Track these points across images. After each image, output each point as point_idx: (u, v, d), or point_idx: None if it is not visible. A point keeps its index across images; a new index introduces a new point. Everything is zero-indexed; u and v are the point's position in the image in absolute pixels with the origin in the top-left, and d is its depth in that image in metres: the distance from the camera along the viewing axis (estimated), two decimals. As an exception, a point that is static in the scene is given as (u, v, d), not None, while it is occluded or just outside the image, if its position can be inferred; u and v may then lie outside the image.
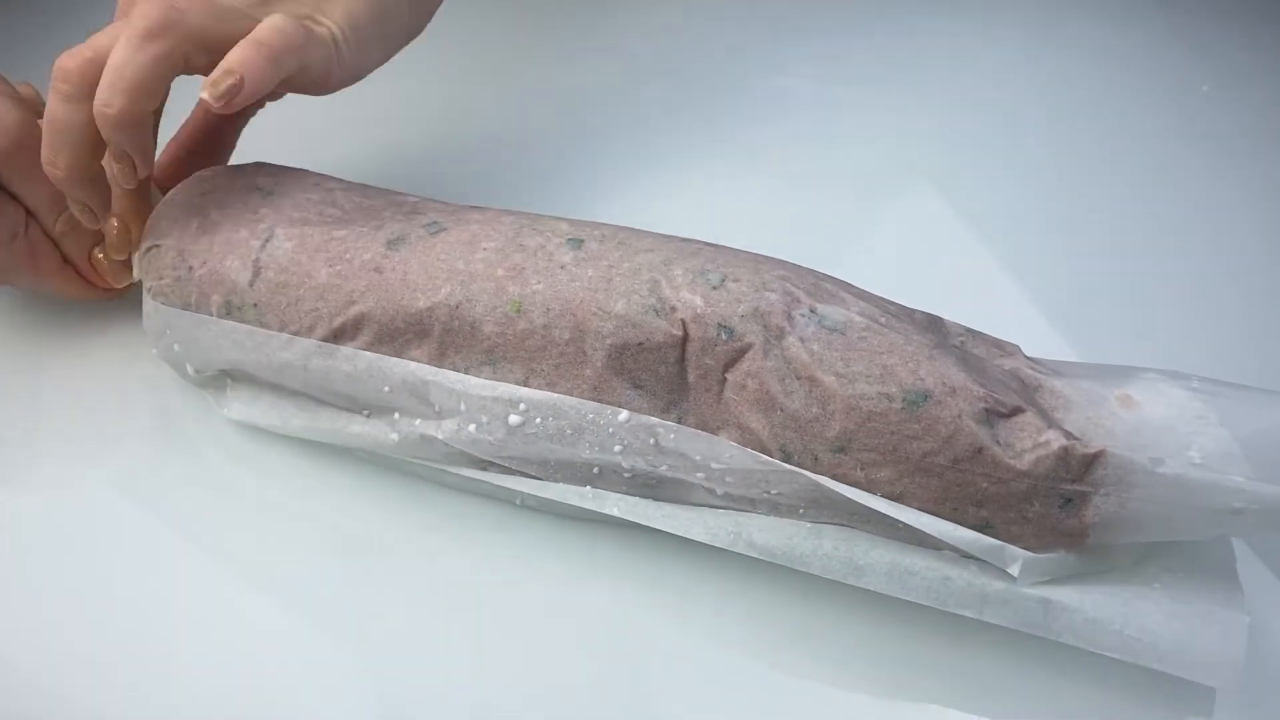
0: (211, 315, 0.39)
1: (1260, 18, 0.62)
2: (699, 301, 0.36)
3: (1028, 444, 0.34)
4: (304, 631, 0.38)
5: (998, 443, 0.34)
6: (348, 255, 0.38)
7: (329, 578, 0.40)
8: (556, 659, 0.38)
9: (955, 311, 0.44)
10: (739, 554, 0.36)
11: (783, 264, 0.38)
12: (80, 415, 0.44)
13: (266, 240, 0.39)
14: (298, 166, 0.44)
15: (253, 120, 0.46)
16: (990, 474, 0.34)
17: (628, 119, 0.55)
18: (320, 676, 0.37)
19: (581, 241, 0.38)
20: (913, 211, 0.52)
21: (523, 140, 0.54)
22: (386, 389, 0.38)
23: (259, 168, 0.43)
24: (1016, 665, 0.37)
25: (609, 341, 0.36)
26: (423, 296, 0.37)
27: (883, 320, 0.36)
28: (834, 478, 0.35)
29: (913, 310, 0.38)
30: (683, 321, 0.36)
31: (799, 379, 0.34)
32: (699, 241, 0.39)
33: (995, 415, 0.34)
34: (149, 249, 0.41)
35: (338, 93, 0.43)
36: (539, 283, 0.37)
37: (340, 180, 0.43)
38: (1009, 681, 0.37)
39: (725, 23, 0.59)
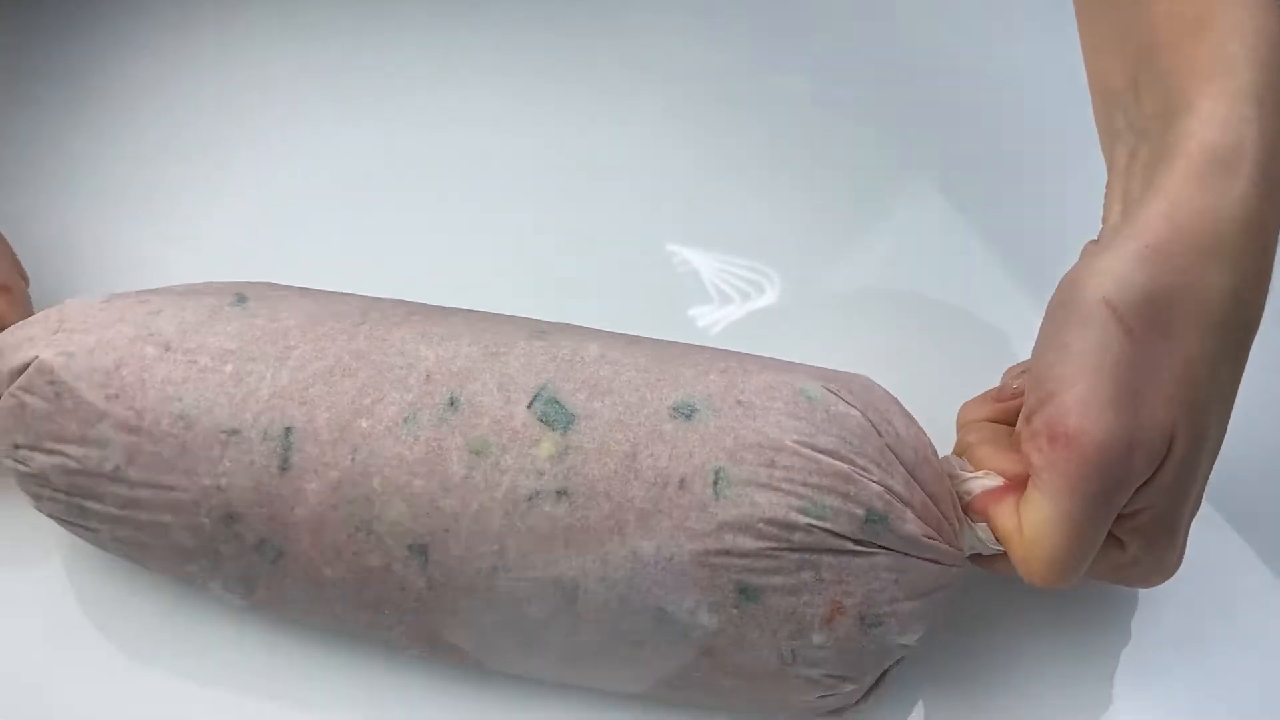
0: None
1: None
2: (570, 657, 0.35)
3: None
4: None
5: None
6: (224, 598, 0.37)
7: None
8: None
9: (956, 312, 0.45)
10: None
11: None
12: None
13: (141, 565, 0.37)
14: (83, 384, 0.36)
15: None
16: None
17: (624, 119, 0.55)
18: None
19: (425, 550, 0.33)
20: (913, 211, 0.52)
21: (520, 138, 0.54)
22: None
23: (50, 463, 0.35)
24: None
25: (494, 672, 0.36)
26: (313, 626, 0.38)
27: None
28: None
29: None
30: (557, 666, 0.36)
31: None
32: (571, 490, 0.33)
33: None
34: None
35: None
36: (401, 624, 0.35)
37: (116, 423, 0.35)
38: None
39: (724, 22, 0.59)
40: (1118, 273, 0.32)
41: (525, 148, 0.53)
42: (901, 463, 0.34)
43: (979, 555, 0.37)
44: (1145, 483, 0.33)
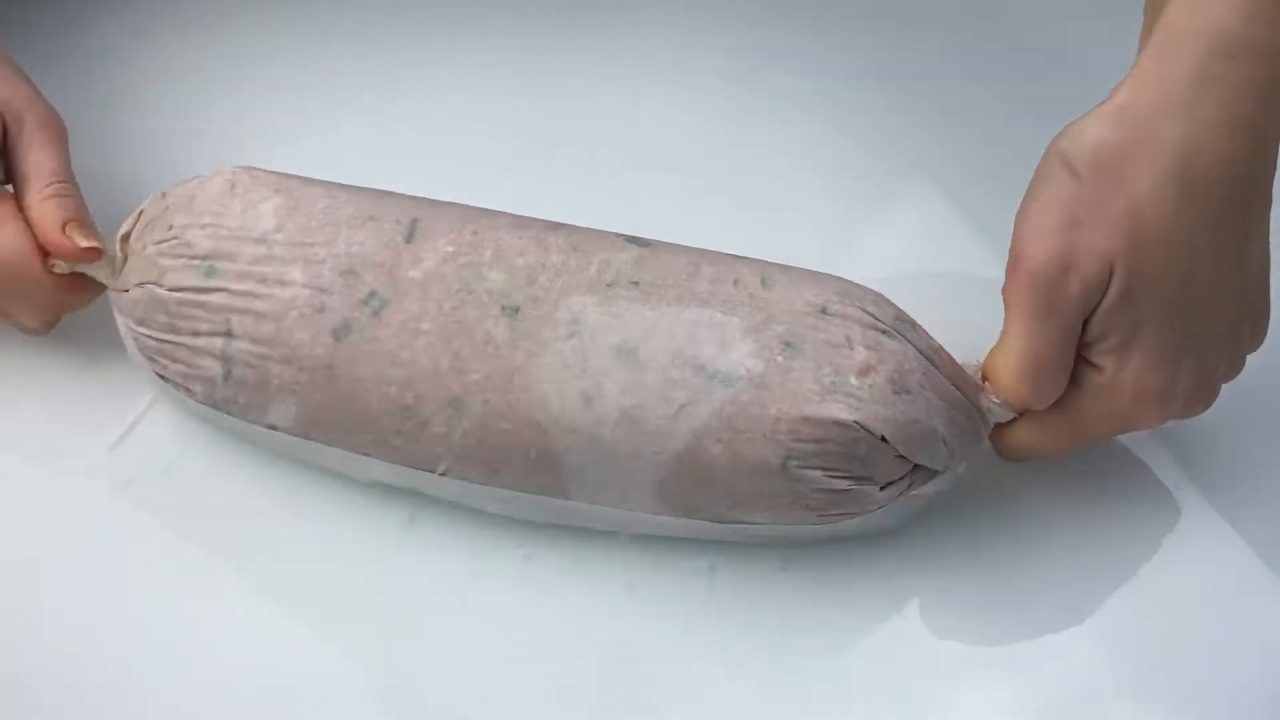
0: (195, 400, 0.41)
1: None
2: (626, 403, 0.38)
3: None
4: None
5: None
6: (300, 351, 0.40)
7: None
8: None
9: (957, 312, 0.45)
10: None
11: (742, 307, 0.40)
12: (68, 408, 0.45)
13: (226, 335, 0.40)
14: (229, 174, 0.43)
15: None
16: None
17: (624, 117, 0.55)
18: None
19: (517, 309, 0.39)
20: (913, 211, 0.53)
21: (519, 138, 0.55)
22: (369, 478, 0.42)
23: (202, 234, 0.41)
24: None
25: (546, 441, 0.39)
26: (375, 399, 0.39)
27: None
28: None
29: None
30: (609, 421, 0.39)
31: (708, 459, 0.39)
32: (644, 281, 0.40)
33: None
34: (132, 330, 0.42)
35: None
36: (477, 372, 0.39)
37: (279, 205, 0.42)
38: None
39: (725, 22, 0.59)
40: (1074, 131, 0.38)
41: (525, 148, 0.54)
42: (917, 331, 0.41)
43: (999, 435, 0.42)
44: (1096, 308, 0.38)
